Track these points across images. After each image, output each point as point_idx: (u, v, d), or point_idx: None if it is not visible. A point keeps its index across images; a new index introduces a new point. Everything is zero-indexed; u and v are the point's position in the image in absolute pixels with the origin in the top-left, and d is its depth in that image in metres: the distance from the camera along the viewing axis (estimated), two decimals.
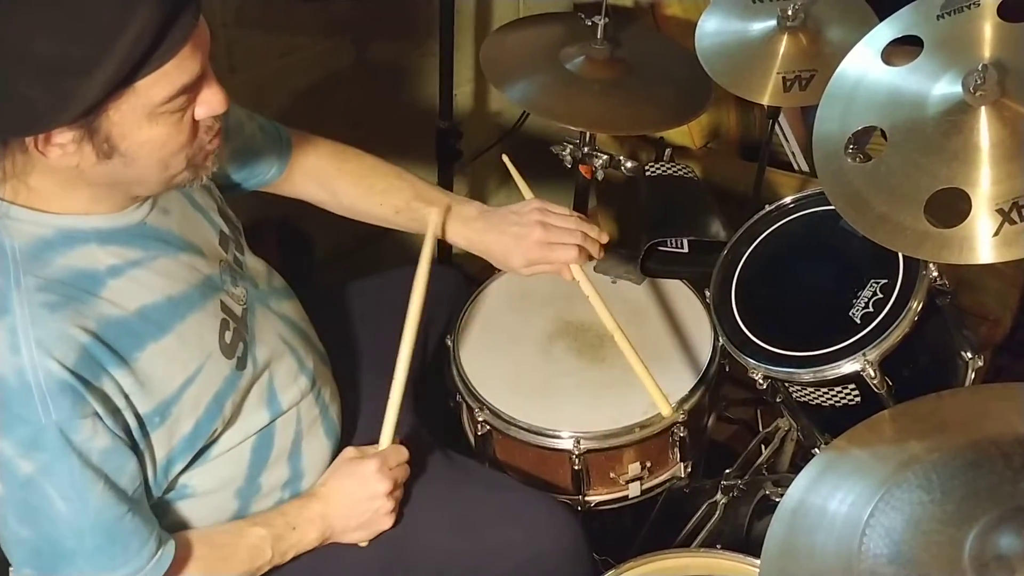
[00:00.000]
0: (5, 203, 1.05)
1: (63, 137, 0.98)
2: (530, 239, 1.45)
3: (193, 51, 0.99)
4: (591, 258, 1.48)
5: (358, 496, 1.30)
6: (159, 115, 1.01)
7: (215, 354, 1.18)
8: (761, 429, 1.78)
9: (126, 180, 1.07)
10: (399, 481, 1.34)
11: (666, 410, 1.44)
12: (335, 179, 1.50)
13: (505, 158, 1.46)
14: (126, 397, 1.08)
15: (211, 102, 1.05)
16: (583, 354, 1.61)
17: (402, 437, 1.40)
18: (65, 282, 1.05)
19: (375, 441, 1.37)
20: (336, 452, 1.40)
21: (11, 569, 1.11)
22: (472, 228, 1.49)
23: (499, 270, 1.75)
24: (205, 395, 1.17)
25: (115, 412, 1.07)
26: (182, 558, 1.16)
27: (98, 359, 1.05)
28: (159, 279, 1.14)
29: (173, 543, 1.15)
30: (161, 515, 1.18)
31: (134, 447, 1.10)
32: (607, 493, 1.56)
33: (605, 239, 1.50)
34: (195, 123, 1.06)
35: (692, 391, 1.52)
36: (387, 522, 1.33)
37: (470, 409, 1.55)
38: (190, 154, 1.08)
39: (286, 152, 1.46)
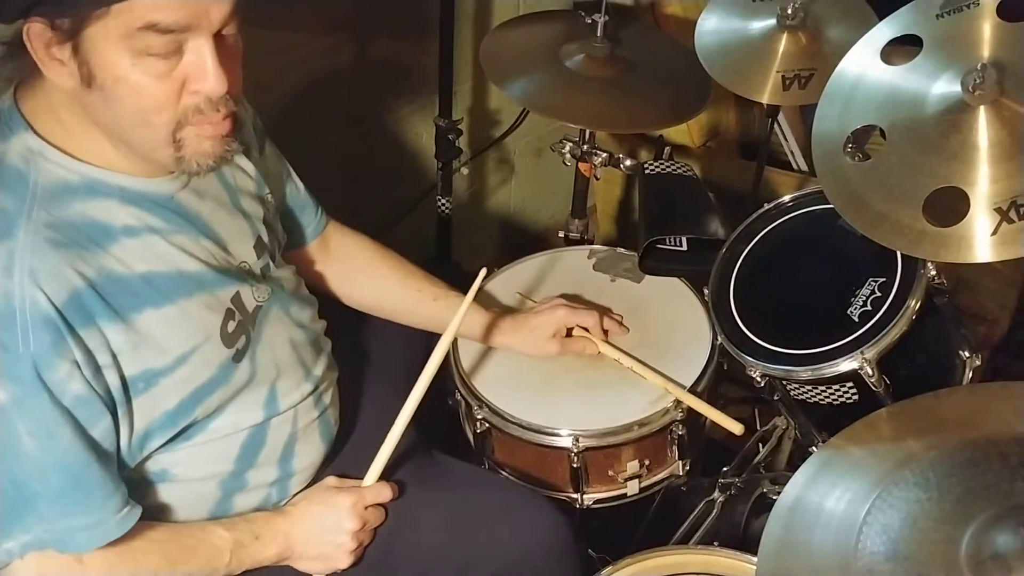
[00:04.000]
0: (41, 141, 1.07)
1: (61, 52, 1.01)
2: (557, 309, 1.59)
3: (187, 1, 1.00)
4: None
5: (324, 525, 1.29)
6: (140, 55, 1.01)
7: (214, 338, 1.18)
8: (759, 427, 1.78)
9: (110, 123, 1.07)
10: (370, 524, 1.32)
11: (738, 429, 1.51)
12: (379, 261, 1.57)
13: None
14: (113, 355, 1.08)
15: (202, 77, 1.04)
16: (582, 352, 1.61)
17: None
18: (76, 227, 1.07)
19: (368, 450, 1.36)
20: (329, 455, 1.40)
21: None
22: (498, 316, 1.59)
23: (497, 270, 1.76)
24: (197, 376, 1.17)
25: (97, 368, 1.07)
26: (143, 532, 1.15)
27: (89, 308, 1.06)
28: (174, 252, 1.15)
29: (140, 508, 1.14)
30: (141, 497, 1.17)
31: (112, 408, 1.10)
32: (605, 491, 1.55)
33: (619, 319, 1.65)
34: (181, 86, 1.05)
35: (690, 389, 1.52)
36: (345, 561, 1.30)
37: (469, 407, 1.55)
38: (170, 122, 1.06)
39: (321, 222, 1.52)
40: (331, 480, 1.36)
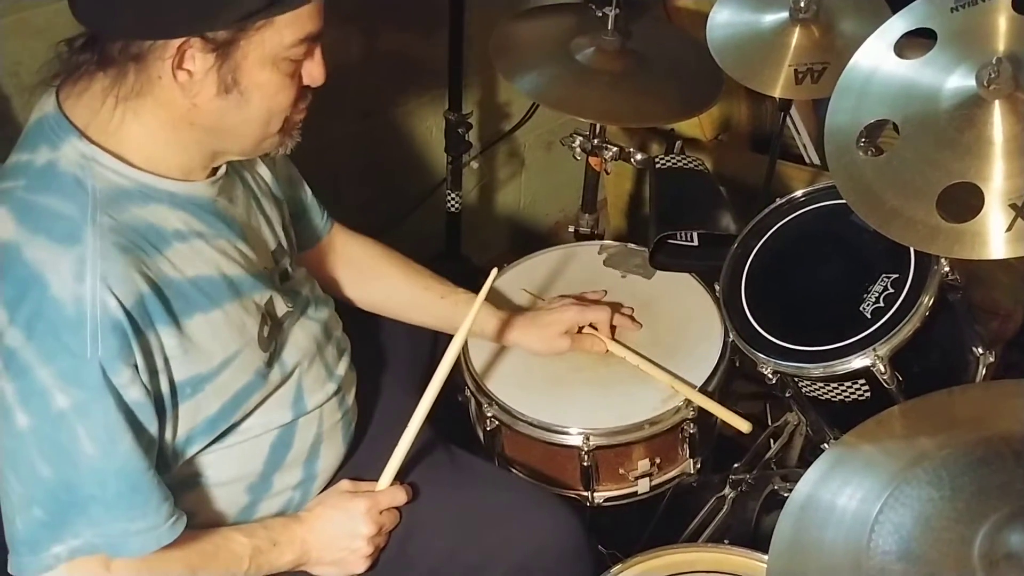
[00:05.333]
0: (94, 146, 1.08)
1: (196, 63, 1.04)
2: (568, 308, 1.58)
3: (319, 7, 1.09)
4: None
5: (340, 531, 1.29)
6: (280, 62, 1.09)
7: (253, 343, 1.19)
8: (770, 423, 1.77)
9: (229, 127, 1.12)
10: (385, 528, 1.33)
11: (746, 427, 1.52)
12: (384, 261, 1.57)
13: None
14: (166, 360, 1.10)
15: (315, 71, 1.15)
16: (591, 349, 1.60)
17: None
18: (137, 230, 1.08)
19: (380, 449, 1.36)
20: (350, 456, 1.40)
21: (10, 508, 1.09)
22: (508, 314, 1.58)
23: (507, 265, 1.75)
24: (237, 381, 1.18)
25: (153, 372, 1.08)
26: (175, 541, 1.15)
27: (151, 312, 1.07)
28: (218, 256, 1.16)
29: (185, 516, 1.15)
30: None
31: (159, 412, 1.11)
32: (616, 489, 1.55)
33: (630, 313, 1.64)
34: (300, 88, 1.14)
35: (702, 386, 1.52)
36: (361, 565, 1.31)
37: (479, 404, 1.55)
38: (288, 117, 1.15)
39: (327, 224, 1.53)
40: (345, 484, 1.36)
